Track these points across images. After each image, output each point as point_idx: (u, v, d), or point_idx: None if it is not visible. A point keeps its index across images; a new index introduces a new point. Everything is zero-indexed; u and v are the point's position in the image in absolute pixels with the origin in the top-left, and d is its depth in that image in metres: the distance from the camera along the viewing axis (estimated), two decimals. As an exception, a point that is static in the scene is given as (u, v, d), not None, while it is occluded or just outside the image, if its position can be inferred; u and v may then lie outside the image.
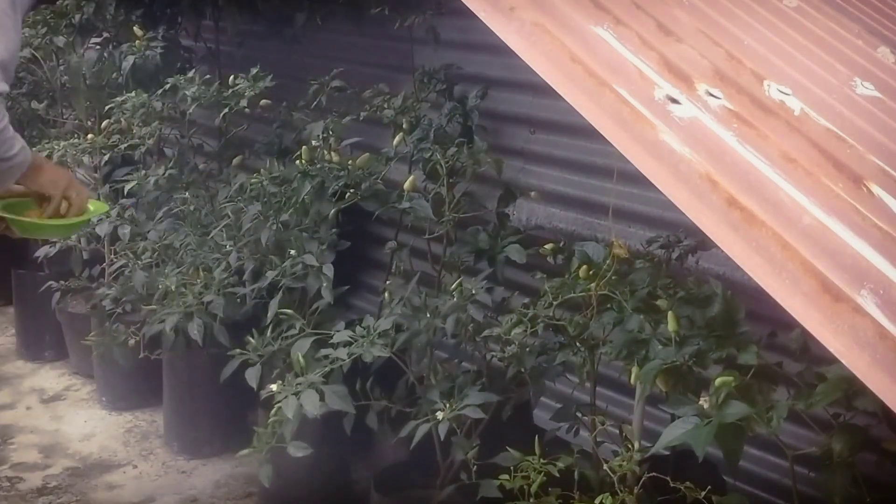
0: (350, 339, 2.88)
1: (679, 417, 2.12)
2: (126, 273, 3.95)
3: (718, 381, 2.11)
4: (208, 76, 4.48)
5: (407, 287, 3.20)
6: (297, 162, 3.54)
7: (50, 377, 4.82)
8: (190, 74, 4.31)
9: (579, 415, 2.81)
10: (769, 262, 1.35)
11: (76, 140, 4.44)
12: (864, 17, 2.53)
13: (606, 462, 2.43)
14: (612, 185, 2.80)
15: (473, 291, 2.94)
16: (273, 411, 2.76)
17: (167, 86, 4.24)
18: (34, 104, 5.24)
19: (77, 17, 4.96)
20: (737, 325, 2.38)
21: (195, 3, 4.67)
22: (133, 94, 4.32)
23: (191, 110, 4.24)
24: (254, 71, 4.02)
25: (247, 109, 4.00)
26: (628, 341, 2.46)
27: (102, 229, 4.10)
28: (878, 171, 1.65)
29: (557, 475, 2.43)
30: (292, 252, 3.35)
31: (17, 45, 2.10)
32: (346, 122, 3.73)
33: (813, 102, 1.79)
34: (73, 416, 4.44)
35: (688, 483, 2.24)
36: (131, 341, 3.82)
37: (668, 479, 2.26)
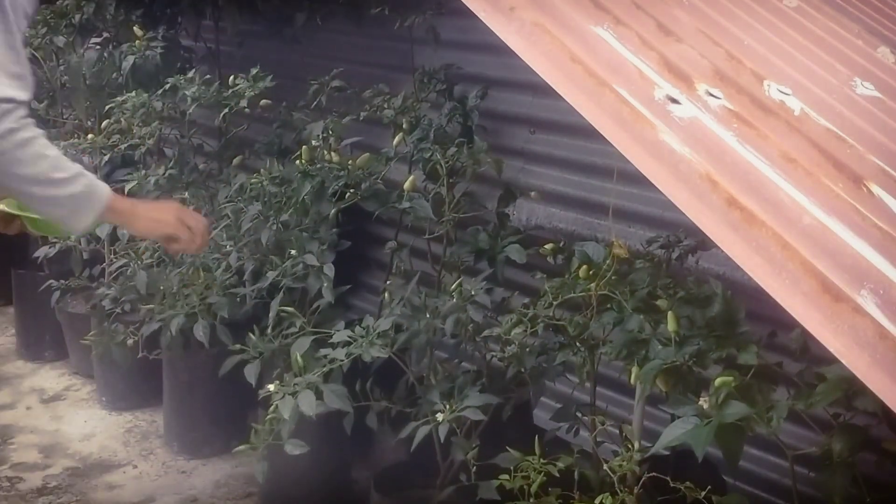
0: (350, 339, 2.88)
1: (679, 417, 2.12)
2: (126, 273, 3.95)
3: (718, 381, 2.11)
4: (208, 76, 4.48)
5: (407, 287, 3.20)
6: (297, 162, 3.54)
7: (50, 377, 4.82)
8: (190, 74, 4.31)
9: (579, 415, 2.81)
10: (769, 262, 1.35)
11: (76, 140, 4.45)
12: (864, 17, 2.53)
13: (606, 462, 2.43)
14: (612, 185, 2.80)
15: (473, 292, 2.94)
16: (270, 409, 2.76)
17: (167, 86, 4.24)
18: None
19: (77, 17, 4.96)
20: (737, 325, 2.38)
21: (195, 3, 4.68)
22: (133, 94, 4.32)
23: (191, 110, 4.24)
24: (254, 71, 4.02)
25: (247, 109, 4.00)
26: (628, 341, 2.46)
27: (103, 229, 4.10)
28: (878, 171, 1.65)
29: (557, 475, 2.43)
30: (293, 252, 3.35)
31: (11, 48, 2.06)
32: (346, 122, 3.73)
33: (813, 102, 1.79)
34: (73, 416, 4.43)
35: (688, 483, 2.24)
36: (130, 341, 3.82)
37: (668, 479, 2.26)
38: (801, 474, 2.33)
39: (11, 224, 2.33)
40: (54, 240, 4.34)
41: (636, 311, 2.50)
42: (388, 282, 3.57)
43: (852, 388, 2.10)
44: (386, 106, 3.73)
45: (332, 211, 3.44)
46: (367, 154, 3.57)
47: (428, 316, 2.96)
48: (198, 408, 4.05)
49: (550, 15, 1.73)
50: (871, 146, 1.73)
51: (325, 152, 3.54)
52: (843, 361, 1.26)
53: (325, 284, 3.24)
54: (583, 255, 2.75)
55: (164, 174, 4.13)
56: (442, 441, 2.76)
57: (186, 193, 4.05)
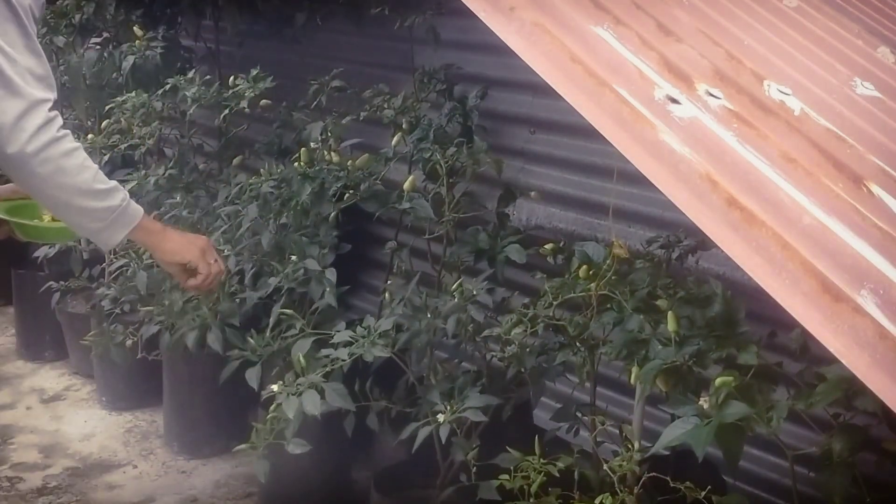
0: (350, 340, 2.88)
1: (679, 417, 2.12)
2: (126, 273, 3.95)
3: (718, 381, 2.11)
4: (208, 76, 4.47)
5: (407, 287, 3.20)
6: (297, 164, 3.54)
7: (50, 377, 4.82)
8: (190, 75, 4.31)
9: (579, 415, 2.81)
10: (769, 262, 1.35)
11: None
12: (864, 17, 2.53)
13: (606, 462, 2.43)
14: (612, 185, 2.80)
15: (474, 292, 2.94)
16: (272, 407, 2.76)
17: (167, 86, 4.24)
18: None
19: (77, 17, 4.96)
20: (737, 325, 2.38)
21: (195, 3, 4.67)
22: (133, 94, 4.32)
23: (191, 110, 4.24)
24: (254, 71, 4.02)
25: (247, 110, 4.00)
26: (628, 341, 2.46)
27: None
28: (878, 171, 1.65)
29: (557, 475, 2.43)
30: (293, 258, 3.35)
31: (33, 52, 2.06)
32: (346, 123, 3.73)
33: (813, 102, 1.79)
34: (73, 416, 4.44)
35: (688, 483, 2.24)
36: (130, 341, 3.82)
37: (668, 479, 2.26)
38: (801, 474, 2.33)
39: (0, 229, 2.32)
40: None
41: (636, 311, 2.50)
42: (388, 282, 3.57)
43: (852, 388, 2.10)
44: (386, 106, 3.73)
45: (333, 213, 3.44)
46: (367, 154, 3.57)
47: (428, 316, 2.96)
48: (198, 408, 4.05)
49: (550, 15, 1.73)
50: (871, 146, 1.72)
51: (325, 153, 3.54)
52: (843, 361, 1.26)
53: (328, 289, 3.24)
54: (583, 255, 2.75)
55: (164, 174, 4.13)
56: (442, 441, 2.76)
57: (178, 197, 4.03)
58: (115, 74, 4.65)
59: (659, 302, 2.53)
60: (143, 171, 4.19)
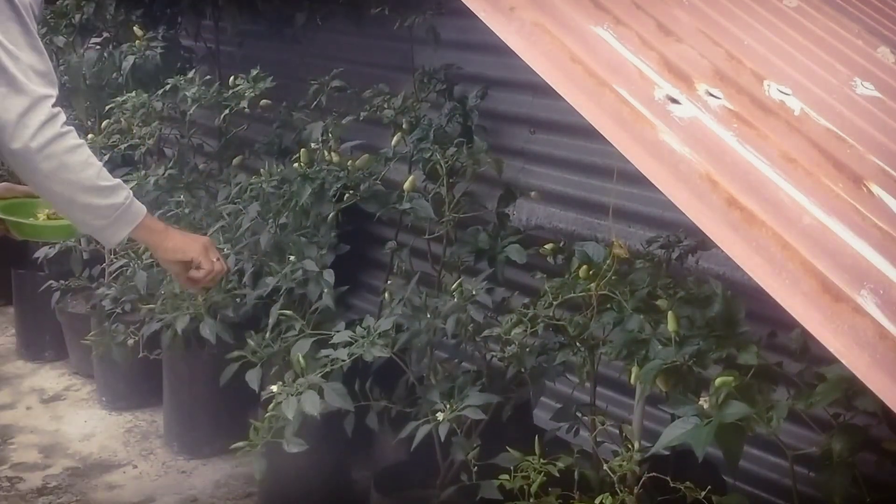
0: (350, 340, 2.88)
1: (679, 417, 2.12)
2: (126, 273, 3.95)
3: (718, 381, 2.11)
4: (208, 76, 4.48)
5: (407, 287, 3.20)
6: (296, 165, 3.54)
7: (50, 377, 4.82)
8: (190, 75, 4.31)
9: (579, 415, 2.81)
10: (769, 262, 1.35)
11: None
12: (864, 17, 2.53)
13: (606, 462, 2.43)
14: (612, 185, 2.80)
15: (474, 292, 2.94)
16: (271, 406, 2.76)
17: (167, 86, 4.24)
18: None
19: (77, 17, 4.96)
20: (737, 325, 2.38)
21: (195, 3, 4.67)
22: (133, 94, 4.32)
23: (191, 111, 4.24)
24: (254, 71, 4.02)
25: (247, 110, 4.00)
26: (628, 341, 2.46)
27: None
28: (878, 171, 1.65)
29: (557, 475, 2.43)
30: (292, 258, 3.35)
31: (34, 49, 2.07)
32: (346, 123, 3.73)
33: (813, 102, 1.79)
34: (73, 416, 4.43)
35: (688, 483, 2.24)
36: (130, 341, 3.82)
37: (668, 479, 2.26)
38: (801, 474, 2.33)
39: None
40: (54, 242, 4.34)
41: (636, 311, 2.50)
42: (388, 282, 3.57)
43: (852, 388, 2.10)
44: (386, 106, 3.73)
45: (332, 213, 3.44)
46: (367, 155, 3.57)
47: (428, 316, 2.96)
48: (198, 408, 4.05)
49: (550, 15, 1.73)
50: (871, 146, 1.72)
51: (325, 153, 3.54)
52: (843, 361, 1.26)
53: (326, 290, 3.24)
54: (583, 255, 2.75)
55: (164, 174, 4.13)
56: (442, 441, 2.76)
57: (182, 197, 4.04)
58: (115, 74, 4.65)
59: (659, 302, 2.53)
60: (143, 171, 4.20)
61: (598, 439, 2.70)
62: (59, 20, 4.98)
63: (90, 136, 4.45)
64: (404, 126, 3.63)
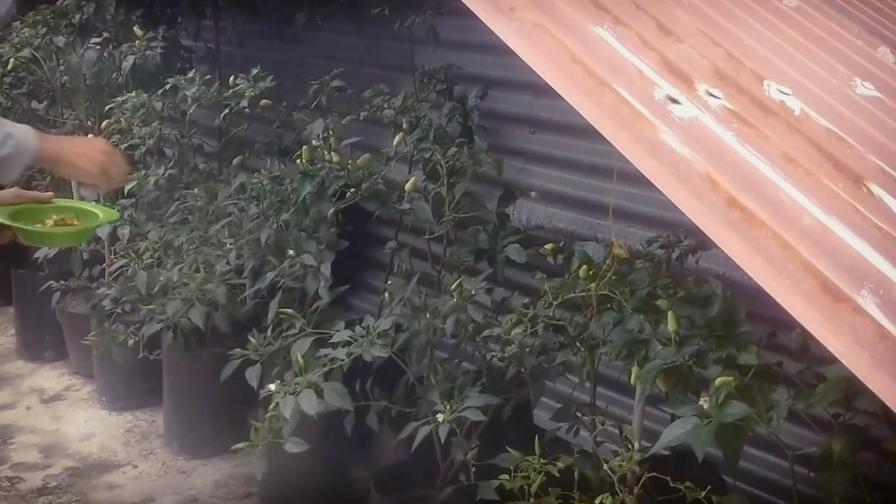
0: (350, 339, 2.88)
1: (679, 417, 2.12)
2: (126, 273, 3.95)
3: (718, 381, 2.11)
4: (208, 76, 4.48)
5: (407, 287, 3.20)
6: (297, 162, 3.54)
7: (50, 377, 4.82)
8: (190, 74, 4.32)
9: (579, 415, 2.81)
10: (769, 262, 1.35)
11: (76, 140, 4.44)
12: (864, 17, 2.53)
13: (606, 462, 2.43)
14: (612, 185, 2.80)
15: (473, 292, 2.94)
16: (271, 407, 2.76)
17: (167, 86, 4.24)
18: (34, 104, 5.24)
19: (77, 17, 4.96)
20: (737, 325, 2.38)
21: (195, 3, 4.67)
22: (133, 94, 4.33)
23: (191, 110, 4.24)
24: (254, 71, 4.02)
25: (247, 109, 4.01)
26: (628, 341, 2.46)
27: (103, 230, 4.09)
28: (878, 171, 1.65)
29: (557, 475, 2.43)
30: (291, 252, 3.35)
31: None
32: (346, 122, 3.73)
33: (813, 102, 1.79)
34: (73, 416, 4.43)
35: (688, 483, 2.24)
36: (130, 341, 3.82)
37: (668, 479, 2.26)
38: (801, 474, 2.33)
39: (2, 234, 2.32)
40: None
41: (636, 311, 2.50)
42: (388, 282, 3.57)
43: (852, 388, 2.10)
44: (386, 106, 3.74)
45: (332, 211, 3.44)
46: (368, 154, 3.57)
47: (428, 316, 2.96)
48: (198, 408, 4.05)
49: (550, 15, 1.73)
50: (871, 146, 1.72)
51: (325, 152, 3.54)
52: (843, 361, 1.26)
53: (322, 284, 3.24)
54: (583, 255, 2.75)
55: (164, 174, 4.13)
56: (442, 441, 2.76)
57: (195, 189, 4.05)
58: (115, 74, 4.65)
59: (659, 302, 2.53)
60: (143, 171, 4.20)
61: (598, 439, 2.70)
62: (59, 20, 4.99)
63: (90, 136, 4.45)
64: (404, 126, 3.63)
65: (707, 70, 1.75)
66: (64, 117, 5.10)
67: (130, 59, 4.52)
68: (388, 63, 4.19)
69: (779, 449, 2.33)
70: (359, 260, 4.33)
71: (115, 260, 4.15)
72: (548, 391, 3.09)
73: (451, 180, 3.40)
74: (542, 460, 2.44)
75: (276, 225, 3.50)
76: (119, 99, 4.37)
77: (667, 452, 2.40)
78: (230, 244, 3.61)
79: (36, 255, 4.42)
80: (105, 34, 5.00)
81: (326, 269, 3.27)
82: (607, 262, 2.64)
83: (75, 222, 2.37)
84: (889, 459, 2.24)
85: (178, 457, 4.05)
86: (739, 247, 1.38)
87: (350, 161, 3.51)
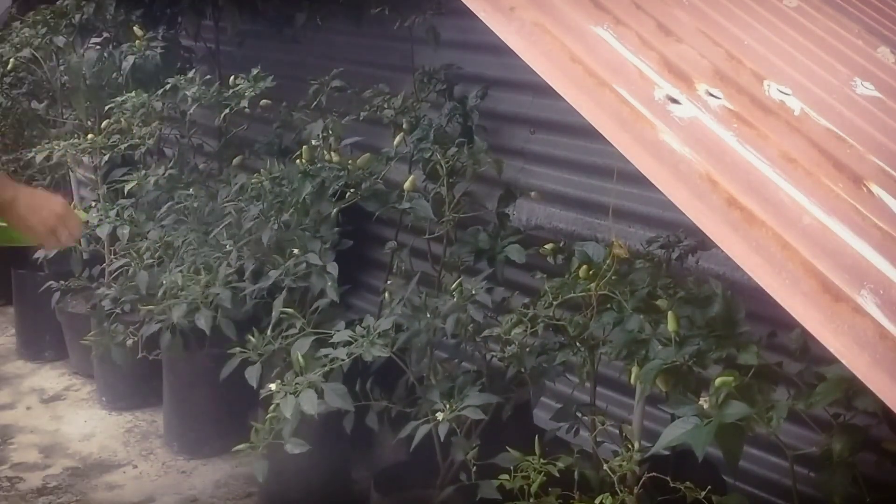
0: (350, 339, 2.88)
1: (679, 417, 2.12)
2: (126, 273, 3.95)
3: (718, 381, 2.11)
4: (208, 76, 4.48)
5: (407, 287, 3.20)
6: (298, 162, 3.54)
7: (50, 377, 4.82)
8: (190, 74, 4.31)
9: (579, 415, 2.81)
10: (769, 262, 1.35)
11: (76, 140, 4.44)
12: (864, 17, 2.53)
13: (606, 462, 2.43)
14: (612, 185, 2.80)
15: (473, 291, 2.94)
16: (271, 408, 2.76)
17: (167, 86, 4.24)
18: (34, 104, 5.24)
19: (77, 17, 4.96)
20: (737, 325, 2.38)
21: (195, 3, 4.67)
22: (133, 94, 4.32)
23: (191, 110, 4.24)
24: (254, 71, 4.02)
25: (247, 109, 4.00)
26: (628, 341, 2.46)
27: (103, 230, 4.09)
28: (878, 171, 1.65)
29: (557, 475, 2.43)
30: (295, 251, 3.35)
31: None
32: (346, 122, 3.73)
33: (813, 102, 1.79)
34: (73, 416, 4.43)
35: (688, 483, 2.24)
36: (130, 341, 3.82)
37: (668, 479, 2.26)
38: (801, 474, 2.33)
39: None
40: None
41: (636, 311, 2.50)
42: (388, 282, 3.57)
43: (852, 388, 2.10)
44: (386, 106, 3.74)
45: (333, 211, 3.44)
46: (368, 154, 3.57)
47: (428, 316, 2.96)
48: (198, 408, 4.05)
49: (550, 15, 1.73)
50: (871, 146, 1.72)
51: (325, 152, 3.54)
52: (843, 361, 1.26)
53: (329, 284, 3.24)
54: (583, 255, 2.75)
55: (164, 174, 4.13)
56: (442, 441, 2.76)
57: (191, 190, 4.05)
58: (115, 74, 4.65)
59: (659, 302, 2.53)
60: (143, 171, 4.19)
61: (598, 439, 2.70)
62: (59, 20, 4.98)
63: (90, 136, 4.45)
64: (404, 126, 3.63)
65: (707, 70, 1.75)
66: (64, 117, 5.10)
67: (130, 59, 4.52)
68: (388, 63, 4.19)
69: (779, 449, 2.33)
70: (359, 260, 4.33)
71: (115, 260, 4.15)
72: (548, 391, 3.09)
73: (451, 180, 3.40)
74: (542, 460, 2.44)
75: (276, 225, 3.50)
76: (119, 99, 4.36)
77: (667, 452, 2.40)
78: (229, 245, 3.60)
79: (36, 255, 4.42)
80: (105, 34, 5.00)
81: (333, 269, 3.26)
82: (607, 262, 2.64)
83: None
84: (889, 459, 2.25)
85: (178, 457, 4.05)
86: (739, 247, 1.38)
87: (350, 161, 3.51)
